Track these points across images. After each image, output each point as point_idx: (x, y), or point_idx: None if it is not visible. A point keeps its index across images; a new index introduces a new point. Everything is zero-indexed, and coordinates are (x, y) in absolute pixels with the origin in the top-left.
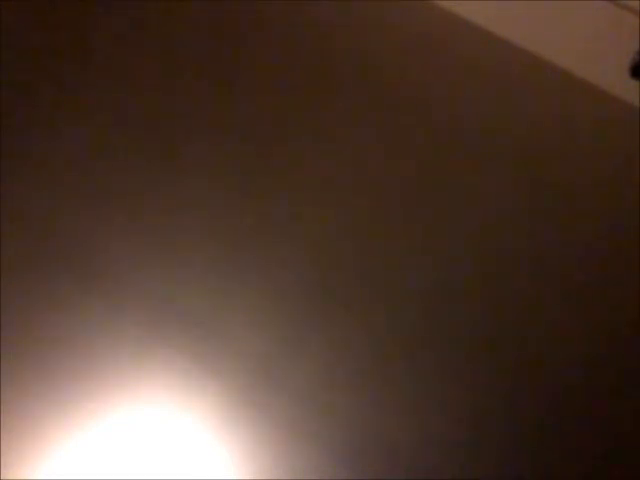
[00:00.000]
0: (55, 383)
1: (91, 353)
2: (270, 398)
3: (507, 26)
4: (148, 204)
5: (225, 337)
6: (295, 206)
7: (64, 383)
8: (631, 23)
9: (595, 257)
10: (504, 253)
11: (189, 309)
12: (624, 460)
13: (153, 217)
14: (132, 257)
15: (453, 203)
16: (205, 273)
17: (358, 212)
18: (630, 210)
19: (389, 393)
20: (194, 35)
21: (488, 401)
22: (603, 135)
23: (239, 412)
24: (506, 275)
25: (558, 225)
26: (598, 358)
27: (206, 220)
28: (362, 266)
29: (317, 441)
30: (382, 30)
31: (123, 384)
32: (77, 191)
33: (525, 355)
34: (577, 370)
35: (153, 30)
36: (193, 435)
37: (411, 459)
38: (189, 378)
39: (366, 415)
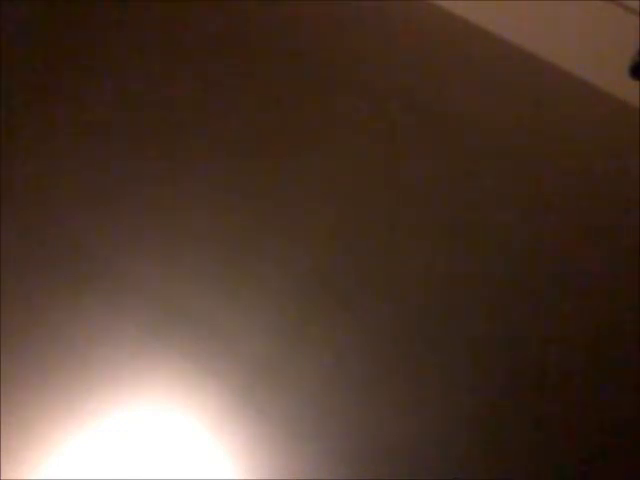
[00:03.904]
0: (55, 383)
1: (91, 353)
2: (269, 398)
3: (507, 26)
4: (148, 204)
5: (224, 337)
6: (295, 207)
7: (64, 383)
8: (631, 23)
9: (595, 256)
10: (504, 252)
11: (189, 309)
12: (625, 460)
13: (153, 217)
14: (132, 257)
15: (453, 203)
16: (205, 273)
17: (358, 213)
18: (630, 209)
19: (389, 393)
20: (194, 36)
21: (488, 401)
22: (603, 135)
23: (238, 412)
24: (506, 274)
25: (558, 225)
26: (598, 358)
27: (206, 220)
28: (362, 266)
29: (317, 441)
30: (382, 30)
31: (123, 384)
32: (77, 191)
33: (525, 355)
34: (578, 370)
35: (154, 31)
36: (192, 435)
37: (411, 459)
38: (189, 378)
39: (366, 415)
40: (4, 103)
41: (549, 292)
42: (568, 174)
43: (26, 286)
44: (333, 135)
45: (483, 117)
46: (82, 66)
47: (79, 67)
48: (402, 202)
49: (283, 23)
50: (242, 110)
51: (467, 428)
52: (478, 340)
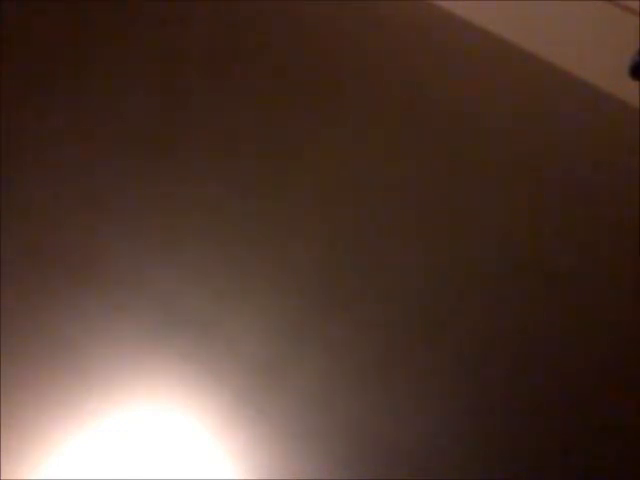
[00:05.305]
0: (55, 383)
1: (91, 353)
2: (269, 398)
3: (507, 26)
4: (148, 204)
5: (224, 338)
6: (295, 208)
7: (64, 383)
8: (631, 23)
9: (595, 256)
10: (503, 253)
11: (189, 310)
12: (625, 460)
13: (153, 217)
14: (132, 257)
15: (453, 203)
16: (205, 274)
17: (358, 213)
18: (630, 209)
19: (388, 393)
20: (195, 36)
21: (488, 401)
22: (603, 135)
23: (238, 412)
24: (505, 275)
25: (558, 225)
26: (598, 358)
27: (206, 221)
28: (362, 266)
29: (317, 441)
30: (382, 30)
31: (123, 384)
32: (77, 191)
33: (525, 355)
34: (577, 369)
35: (154, 31)
36: (193, 435)
37: (411, 459)
38: (188, 378)
39: (365, 415)
40: (4, 103)
41: (549, 292)
42: (568, 174)
43: (26, 287)
44: (334, 135)
45: (483, 117)
46: (81, 65)
47: (78, 66)
48: (402, 202)
49: (283, 23)
50: (243, 110)
51: (467, 428)
52: (478, 340)
